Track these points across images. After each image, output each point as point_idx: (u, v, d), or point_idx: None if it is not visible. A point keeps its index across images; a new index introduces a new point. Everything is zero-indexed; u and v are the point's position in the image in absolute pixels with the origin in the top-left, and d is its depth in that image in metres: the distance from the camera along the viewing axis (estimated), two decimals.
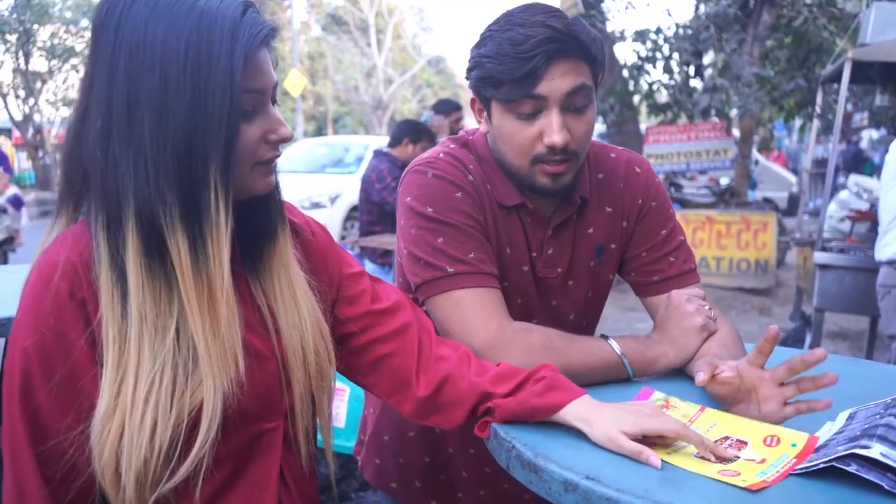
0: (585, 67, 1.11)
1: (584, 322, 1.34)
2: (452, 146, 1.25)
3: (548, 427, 0.93)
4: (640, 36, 7.64)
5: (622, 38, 7.79)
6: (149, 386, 0.79)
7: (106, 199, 0.80)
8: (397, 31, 27.79)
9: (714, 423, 0.93)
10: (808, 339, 4.03)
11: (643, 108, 8.62)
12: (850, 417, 0.94)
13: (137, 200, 0.79)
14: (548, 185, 1.16)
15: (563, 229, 1.25)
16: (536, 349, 1.09)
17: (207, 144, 0.80)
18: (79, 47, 15.11)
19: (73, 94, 15.54)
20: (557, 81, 1.09)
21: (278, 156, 0.91)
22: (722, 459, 0.83)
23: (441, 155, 1.21)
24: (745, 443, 0.87)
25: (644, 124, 8.80)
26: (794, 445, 0.85)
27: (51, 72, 15.21)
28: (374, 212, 4.05)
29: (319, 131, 28.03)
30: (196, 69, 0.79)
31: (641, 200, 1.29)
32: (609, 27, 7.75)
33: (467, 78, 1.19)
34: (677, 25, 7.51)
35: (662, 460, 0.83)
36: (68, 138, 0.84)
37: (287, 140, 0.90)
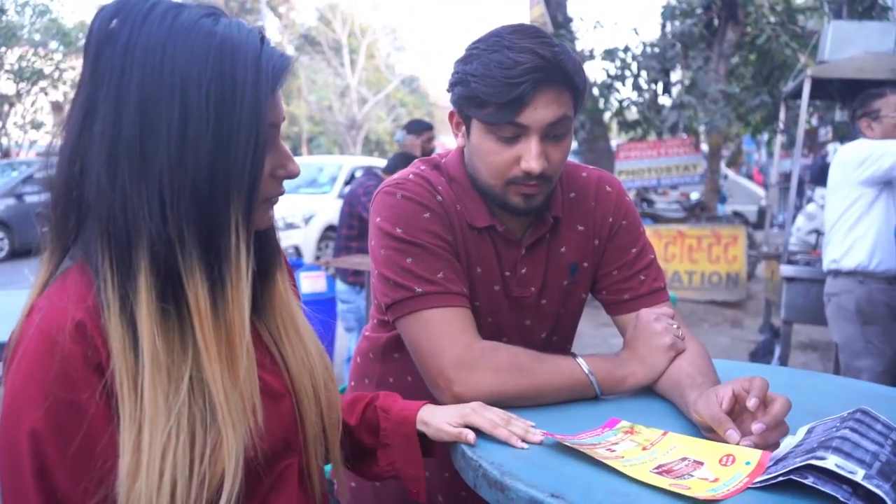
0: (568, 97, 1.13)
1: (557, 340, 1.35)
2: (423, 168, 1.26)
3: (512, 450, 0.94)
4: (609, 55, 7.77)
5: (591, 56, 7.91)
6: (165, 440, 0.72)
7: (115, 237, 0.72)
8: (370, 51, 27.91)
9: (674, 446, 0.95)
10: (777, 351, 4.09)
11: (613, 126, 8.74)
12: (809, 431, 0.96)
13: (152, 239, 0.72)
14: (520, 204, 1.17)
15: (537, 248, 1.27)
16: (504, 368, 1.10)
17: (230, 183, 0.74)
18: (47, 70, 14.92)
19: (42, 117, 15.30)
20: (541, 111, 1.10)
21: (283, 192, 0.86)
22: (675, 476, 0.85)
23: (411, 176, 1.23)
24: (702, 463, 0.89)
25: (615, 141, 8.93)
26: (748, 464, 0.87)
27: (19, 94, 15.01)
28: (354, 226, 4.03)
29: (294, 151, 27.84)
30: (220, 101, 0.73)
31: (612, 219, 1.31)
32: (578, 46, 7.87)
33: (449, 91, 1.19)
34: (644, 44, 7.65)
35: (618, 472, 0.85)
36: (60, 171, 0.75)
37: (294, 176, 0.85)
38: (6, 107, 15.14)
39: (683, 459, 0.90)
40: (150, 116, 0.72)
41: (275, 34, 31.00)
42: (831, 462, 0.79)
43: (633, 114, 8.26)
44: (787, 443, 0.96)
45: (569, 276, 1.30)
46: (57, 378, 0.70)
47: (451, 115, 1.23)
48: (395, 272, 1.15)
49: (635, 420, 1.03)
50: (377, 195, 1.23)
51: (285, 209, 8.43)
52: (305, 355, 0.93)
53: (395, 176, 1.25)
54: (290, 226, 8.34)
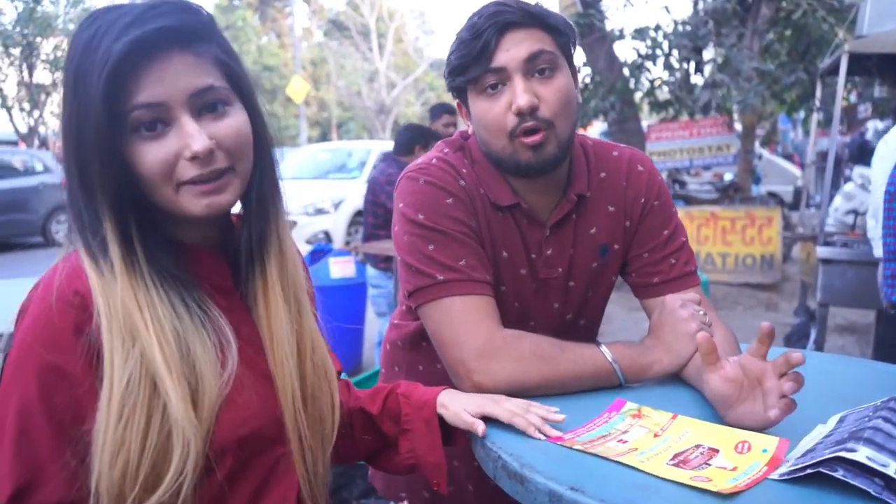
0: (544, 35, 1.13)
1: (585, 324, 1.33)
2: (446, 150, 1.25)
3: (534, 439, 0.93)
4: (640, 34, 7.61)
5: (621, 36, 7.77)
6: (121, 407, 0.75)
7: (77, 228, 0.81)
8: (399, 35, 27.83)
9: (686, 431, 0.93)
10: (813, 335, 4.00)
11: (644, 106, 8.59)
12: (841, 420, 0.94)
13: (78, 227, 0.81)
14: (531, 159, 1.14)
15: (562, 229, 1.24)
16: (526, 357, 1.09)
17: (91, 170, 0.77)
18: None
19: None
20: (513, 51, 1.11)
21: (206, 174, 0.80)
22: (692, 466, 0.83)
23: (434, 161, 1.22)
24: (717, 451, 0.87)
25: (646, 122, 8.78)
26: (764, 451, 0.85)
27: (55, 84, 15.27)
28: (379, 215, 4.02)
29: (324, 137, 28.09)
30: (74, 89, 0.77)
31: (644, 199, 1.28)
32: (608, 26, 7.73)
33: (446, 82, 1.21)
34: (676, 22, 7.48)
35: (636, 468, 0.83)
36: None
37: (200, 154, 0.79)
38: (43, 96, 15.44)
39: (698, 447, 0.88)
40: (63, 117, 0.79)
41: (304, 20, 31.09)
42: (862, 454, 0.76)
43: (664, 94, 8.11)
44: (818, 432, 0.93)
45: (599, 258, 1.27)
46: (48, 343, 0.75)
47: (459, 106, 1.23)
48: (417, 259, 1.14)
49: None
50: (400, 180, 1.22)
51: (315, 195, 8.47)
52: (294, 343, 0.92)
53: (419, 160, 1.23)
54: (319, 211, 8.38)
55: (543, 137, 1.13)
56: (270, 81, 28.18)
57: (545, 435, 0.94)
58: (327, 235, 8.29)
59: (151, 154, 0.78)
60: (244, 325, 0.90)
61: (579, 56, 8.31)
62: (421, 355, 1.32)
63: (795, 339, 4.57)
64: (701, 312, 1.17)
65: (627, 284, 1.33)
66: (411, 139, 4.04)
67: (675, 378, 1.15)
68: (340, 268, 4.47)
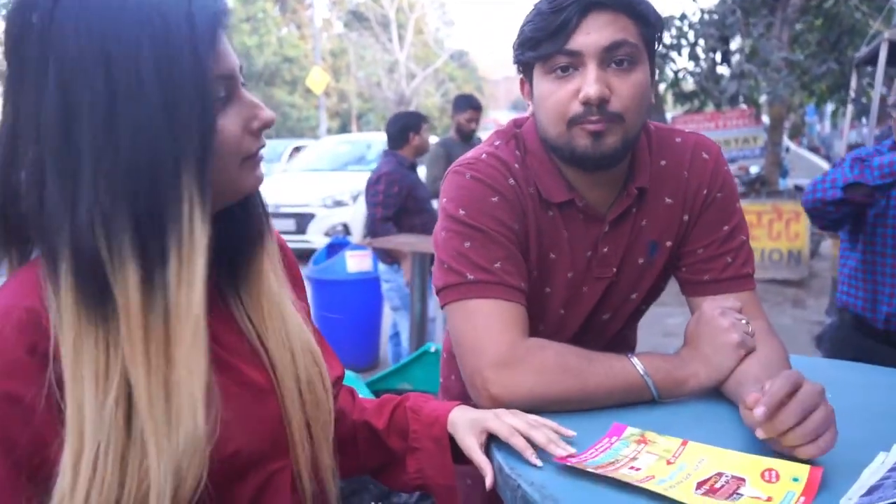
0: (629, 23, 1.02)
1: (625, 328, 1.24)
2: (497, 143, 1.16)
3: (557, 466, 0.84)
4: (665, 23, 7.45)
5: None
6: (94, 457, 0.64)
7: (41, 240, 0.67)
8: (419, 26, 27.70)
9: (702, 459, 0.83)
10: None
11: (668, 97, 8.42)
12: None
13: (73, 237, 0.65)
14: (588, 148, 1.03)
15: (621, 224, 1.14)
16: (549, 368, 0.99)
17: (179, 146, 0.67)
18: None
19: None
20: (594, 35, 1.00)
21: (263, 145, 0.79)
22: (723, 496, 0.75)
23: (483, 155, 1.12)
24: (743, 479, 0.78)
25: (670, 114, 8.61)
26: (795, 480, 0.76)
27: None
28: (375, 212, 3.91)
29: (344, 128, 28.08)
30: (154, 65, 0.65)
31: (707, 190, 1.16)
32: None
33: (514, 54, 1.10)
34: (702, 11, 7.31)
35: (663, 496, 0.75)
36: (2, 184, 0.69)
37: (271, 124, 0.77)
38: None
39: (720, 475, 0.79)
40: (72, 100, 0.64)
41: (324, 11, 31.07)
42: None
43: (689, 85, 7.94)
44: (880, 462, 0.83)
45: (646, 255, 1.17)
46: (1, 370, 0.64)
47: (521, 82, 1.13)
48: (450, 255, 1.06)
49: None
50: (448, 174, 1.13)
51: (334, 187, 8.42)
52: (289, 349, 0.83)
53: (469, 154, 1.14)
54: (338, 203, 8.33)
55: (605, 127, 1.02)
56: (290, 73, 28.21)
57: (553, 454, 0.86)
58: (346, 228, 8.23)
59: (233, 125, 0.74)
60: (228, 332, 0.81)
61: None
62: None
63: (827, 339, 4.43)
64: (743, 322, 1.07)
65: (676, 279, 1.22)
66: (403, 129, 3.91)
67: (711, 394, 1.05)
68: (357, 262, 4.40)
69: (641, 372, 1.01)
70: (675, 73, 7.77)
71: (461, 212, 1.07)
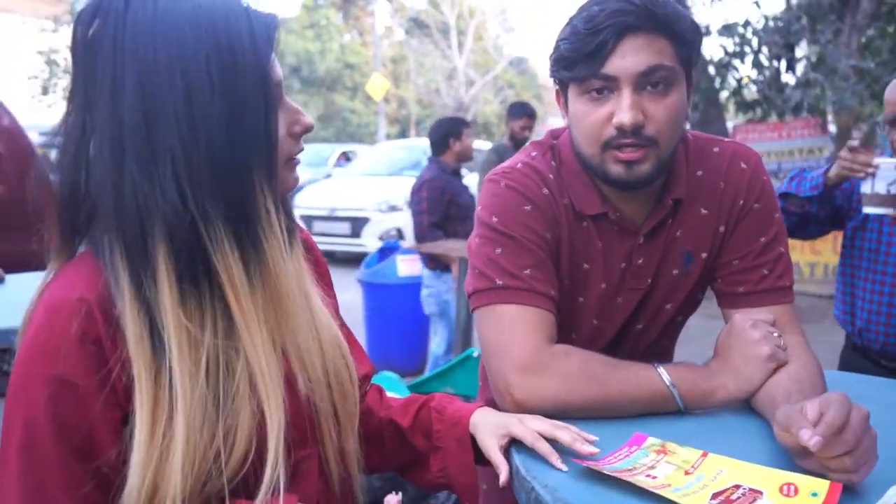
0: (666, 45, 1.02)
1: (662, 339, 1.24)
2: (534, 154, 1.18)
3: (573, 471, 0.85)
4: (727, 30, 7.30)
5: (707, 33, 7.46)
6: (186, 426, 0.71)
7: (125, 227, 0.72)
8: (479, 33, 27.76)
9: (720, 471, 0.83)
10: None
11: (730, 106, 8.23)
12: None
13: (167, 221, 0.71)
14: (621, 174, 1.05)
15: (656, 236, 1.15)
16: (573, 375, 1.00)
17: (248, 147, 0.74)
18: None
19: None
20: (630, 59, 1.00)
21: (302, 149, 0.86)
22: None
23: (519, 165, 1.15)
24: (760, 493, 0.78)
25: (731, 122, 8.41)
26: (814, 495, 0.76)
27: None
28: (421, 220, 3.94)
29: (403, 134, 28.36)
30: (223, 71, 0.73)
31: (743, 201, 1.15)
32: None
33: (550, 68, 1.12)
34: (766, 17, 7.12)
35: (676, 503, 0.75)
36: (65, 170, 0.76)
37: (310, 129, 0.84)
38: None
39: (738, 487, 0.79)
40: (153, 101, 0.71)
41: (386, 18, 31.46)
42: None
43: (752, 93, 7.75)
44: None
45: (681, 266, 1.16)
46: (55, 355, 0.71)
47: (557, 94, 1.15)
48: (482, 261, 1.09)
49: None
50: (484, 183, 1.16)
51: (389, 192, 8.52)
52: (318, 342, 0.88)
53: (506, 163, 1.17)
54: (392, 208, 8.42)
55: (642, 156, 1.03)
56: (352, 79, 28.64)
57: (575, 455, 0.87)
58: (399, 232, 8.32)
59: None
60: None
61: None
62: None
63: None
64: (775, 334, 1.05)
65: (713, 291, 1.21)
66: (444, 135, 3.93)
67: (742, 407, 1.04)
68: (408, 266, 4.45)
69: (667, 382, 1.01)
70: (738, 81, 7.58)
71: (494, 219, 1.09)
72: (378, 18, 24.01)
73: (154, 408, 0.71)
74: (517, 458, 0.90)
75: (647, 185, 1.09)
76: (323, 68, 27.86)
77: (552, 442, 0.91)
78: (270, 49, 0.77)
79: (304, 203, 8.79)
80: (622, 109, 1.01)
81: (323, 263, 1.03)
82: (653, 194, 1.14)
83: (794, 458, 0.83)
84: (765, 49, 7.13)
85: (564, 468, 0.86)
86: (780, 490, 0.78)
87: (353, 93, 28.67)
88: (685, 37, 1.04)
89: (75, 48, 0.75)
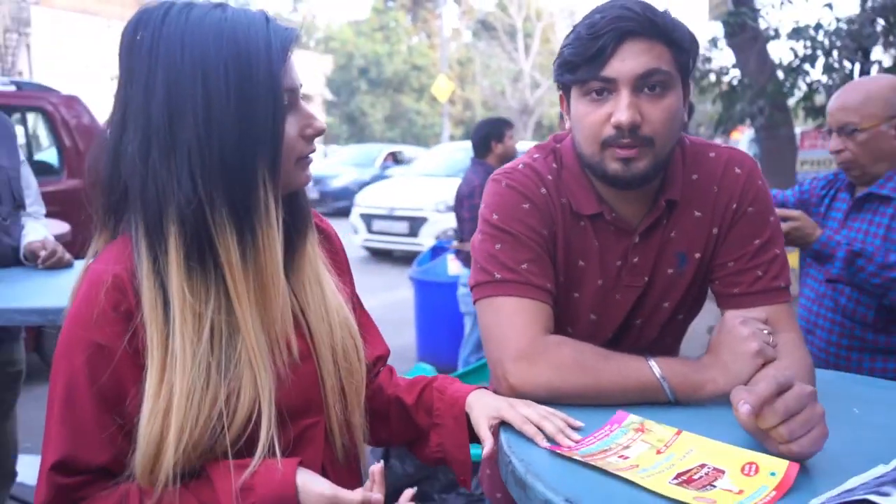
0: (664, 51, 1.07)
1: (664, 338, 1.28)
2: (536, 156, 1.25)
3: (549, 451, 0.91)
4: (798, 33, 7.09)
5: (776, 35, 7.27)
6: (189, 386, 0.82)
7: (146, 209, 0.84)
8: (546, 35, 27.65)
9: (690, 450, 0.87)
10: None
11: (798, 112, 7.98)
12: None
13: (181, 207, 0.82)
14: (618, 171, 1.10)
15: (651, 236, 1.20)
16: (566, 364, 1.06)
17: (256, 144, 0.84)
18: None
19: None
20: (629, 62, 1.06)
21: (314, 150, 0.95)
22: (696, 486, 0.79)
23: (520, 166, 1.22)
24: (723, 471, 0.82)
25: (800, 128, 8.16)
26: (773, 474, 0.79)
27: None
28: (463, 220, 3.99)
29: (467, 136, 28.47)
30: (239, 76, 0.83)
31: (736, 204, 1.20)
32: (762, 24, 7.26)
33: (554, 73, 1.18)
34: (839, 20, 6.90)
35: (639, 486, 0.80)
36: (106, 158, 0.88)
37: (321, 132, 0.93)
38: None
39: (703, 466, 0.83)
40: (177, 101, 0.82)
41: (454, 20, 31.63)
42: (894, 500, 0.68)
43: (822, 99, 7.50)
44: (874, 472, 0.84)
45: (676, 266, 1.21)
46: (92, 323, 0.82)
47: (561, 98, 1.21)
48: (483, 256, 1.16)
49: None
50: (488, 182, 1.23)
51: (446, 192, 8.61)
52: (328, 321, 0.97)
53: (508, 164, 1.24)
54: (450, 208, 8.46)
55: (638, 153, 1.09)
56: (418, 80, 28.94)
57: (552, 443, 0.93)
58: (456, 232, 8.40)
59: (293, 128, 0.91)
60: None
61: (727, 57, 7.87)
62: None
63: None
64: (765, 332, 1.09)
65: (712, 292, 1.25)
66: (485, 137, 3.94)
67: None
68: (458, 265, 4.53)
69: (658, 374, 1.05)
70: (809, 85, 7.36)
71: (495, 216, 1.16)
72: (445, 21, 24.21)
73: (161, 368, 0.82)
74: (503, 437, 0.97)
75: (643, 183, 1.13)
76: (390, 70, 28.25)
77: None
78: (283, 59, 0.87)
79: (364, 202, 8.99)
80: (620, 109, 1.06)
81: (342, 253, 1.13)
82: (648, 195, 1.18)
83: (757, 441, 0.88)
84: (835, 53, 6.90)
85: (547, 446, 0.92)
86: (742, 469, 0.82)
87: (419, 94, 28.96)
88: (683, 45, 1.09)
89: (121, 53, 0.87)
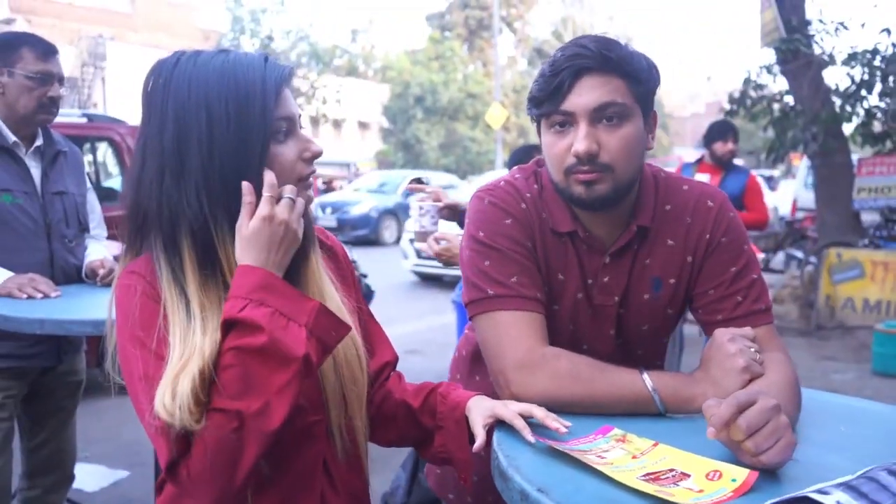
0: (620, 84, 1.16)
1: (644, 354, 1.34)
2: (517, 176, 1.33)
3: (534, 446, 0.99)
4: (852, 58, 6.98)
5: (831, 61, 7.17)
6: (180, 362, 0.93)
7: (163, 227, 0.97)
8: None
9: (664, 457, 0.93)
10: None
11: (856, 138, 7.81)
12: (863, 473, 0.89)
13: (191, 224, 0.96)
14: (582, 194, 1.19)
15: (621, 258, 1.27)
16: (563, 375, 1.13)
17: (250, 165, 0.96)
18: (304, 88, 16.75)
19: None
20: (585, 97, 1.15)
21: (314, 171, 1.05)
22: (661, 483, 0.86)
23: (502, 183, 1.31)
24: (689, 475, 0.87)
25: (856, 155, 7.98)
26: (733, 480, 0.85)
27: None
28: None
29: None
30: (237, 107, 0.95)
31: (710, 235, 1.27)
32: (816, 50, 7.16)
33: (526, 108, 1.28)
34: (895, 45, 6.77)
35: (608, 477, 0.87)
36: (130, 187, 1.01)
37: (318, 155, 1.03)
38: None
39: (671, 470, 0.89)
40: (184, 131, 0.96)
41: (510, 48, 31.94)
42: (833, 499, 0.74)
43: (879, 125, 7.33)
44: (836, 481, 0.89)
45: (651, 291, 1.29)
46: (138, 302, 0.97)
47: (537, 128, 1.29)
48: (473, 273, 1.23)
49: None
50: (471, 199, 1.32)
51: None
52: None
53: (490, 182, 1.33)
54: None
55: (597, 177, 1.17)
56: (473, 108, 29.26)
57: (545, 436, 1.00)
58: None
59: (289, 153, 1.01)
60: None
61: (781, 83, 7.77)
62: (480, 367, 1.40)
63: None
64: (752, 349, 1.14)
65: (696, 321, 1.32)
66: (517, 164, 3.99)
67: None
68: None
69: (649, 387, 1.12)
70: (867, 111, 7.21)
71: (480, 233, 1.25)
72: (501, 49, 24.50)
73: (182, 348, 0.93)
74: (495, 435, 1.05)
75: (607, 205, 1.21)
76: (446, 98, 28.66)
77: (531, 424, 1.05)
78: (277, 93, 0.98)
79: (412, 227, 9.13)
80: (578, 140, 1.15)
81: (348, 267, 1.23)
82: (621, 219, 1.26)
83: (732, 452, 0.93)
84: (891, 78, 6.77)
85: (532, 440, 0.99)
86: (707, 475, 0.87)
87: (474, 122, 29.26)
88: (639, 76, 1.17)
89: (142, 96, 1.01)
